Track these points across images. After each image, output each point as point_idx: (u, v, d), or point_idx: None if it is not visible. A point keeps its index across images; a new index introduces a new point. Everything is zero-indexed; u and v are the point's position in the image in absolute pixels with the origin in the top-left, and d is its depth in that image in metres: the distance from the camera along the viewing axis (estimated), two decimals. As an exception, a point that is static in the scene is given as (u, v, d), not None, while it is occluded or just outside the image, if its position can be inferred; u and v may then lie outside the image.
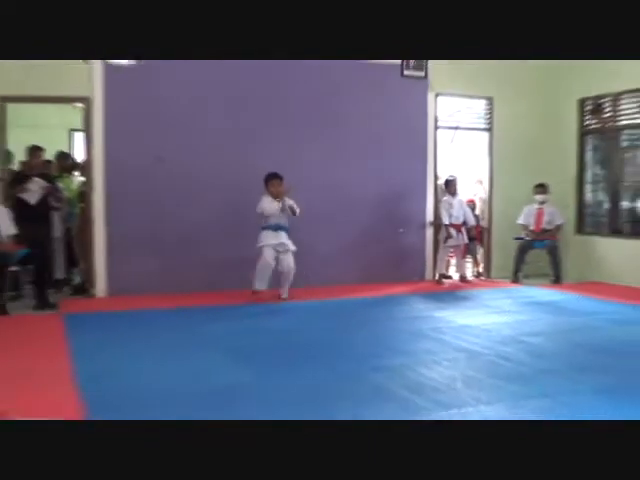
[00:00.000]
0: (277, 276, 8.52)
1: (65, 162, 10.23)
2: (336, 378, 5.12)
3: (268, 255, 8.27)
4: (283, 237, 8.38)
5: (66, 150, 11.50)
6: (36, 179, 8.49)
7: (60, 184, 9.35)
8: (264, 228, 8.35)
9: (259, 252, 8.33)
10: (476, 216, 10.82)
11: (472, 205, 10.92)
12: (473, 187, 11.33)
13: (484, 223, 10.96)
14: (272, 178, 8.29)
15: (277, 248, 8.35)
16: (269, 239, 8.30)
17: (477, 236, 10.85)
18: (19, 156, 9.27)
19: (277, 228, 8.35)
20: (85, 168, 8.98)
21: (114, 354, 5.89)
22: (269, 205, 8.22)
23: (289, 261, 8.43)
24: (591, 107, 10.55)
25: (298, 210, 8.40)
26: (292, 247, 8.41)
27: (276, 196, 8.27)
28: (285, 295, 8.62)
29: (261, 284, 8.33)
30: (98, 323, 7.29)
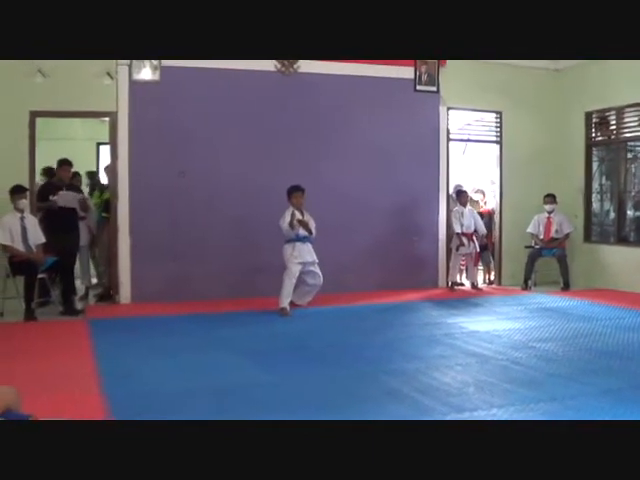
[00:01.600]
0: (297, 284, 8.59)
1: (93, 180, 10.60)
2: (350, 380, 5.30)
3: (296, 272, 8.34)
4: (309, 248, 8.43)
5: (93, 162, 11.86)
6: (67, 192, 8.72)
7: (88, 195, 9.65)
8: (288, 241, 8.40)
9: (286, 267, 8.37)
10: (490, 226, 11.01)
11: (489, 215, 11.13)
12: (475, 196, 11.47)
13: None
14: (294, 190, 8.43)
15: (305, 268, 8.43)
16: (296, 257, 8.32)
17: (490, 245, 11.02)
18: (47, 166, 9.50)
19: (301, 239, 8.38)
20: (111, 179, 9.26)
21: (137, 357, 6.10)
22: (283, 220, 8.29)
23: (319, 275, 8.53)
24: (598, 120, 10.73)
25: (314, 229, 8.45)
26: (316, 259, 8.49)
27: (297, 207, 8.40)
28: (306, 303, 8.77)
29: (288, 300, 8.37)
30: (122, 328, 7.49)
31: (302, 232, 8.38)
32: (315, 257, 8.47)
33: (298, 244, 8.35)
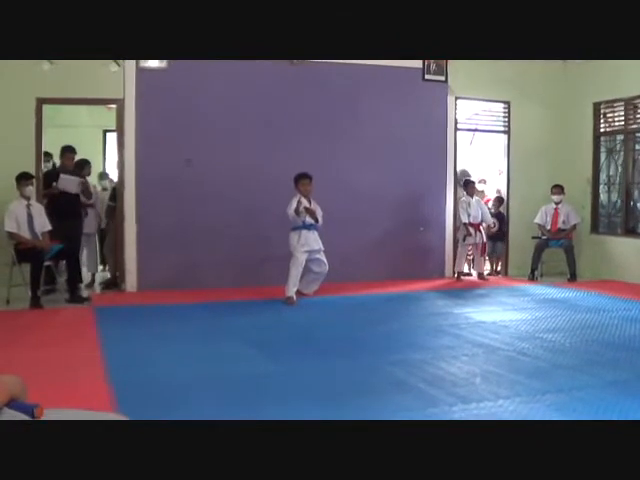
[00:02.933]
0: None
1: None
2: (356, 371, 5.27)
3: (302, 260, 8.32)
4: (316, 236, 8.41)
5: (99, 149, 11.90)
6: (69, 176, 8.70)
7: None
8: (294, 229, 8.39)
9: (292, 256, 8.34)
10: (502, 214, 11.01)
11: (499, 202, 11.12)
12: (479, 187, 11.44)
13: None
14: (301, 178, 8.41)
15: (311, 256, 8.41)
16: (302, 245, 8.31)
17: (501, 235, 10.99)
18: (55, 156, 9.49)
19: (307, 227, 8.36)
20: (117, 166, 9.24)
21: (143, 345, 6.10)
22: (290, 206, 8.26)
23: (325, 262, 8.51)
24: (606, 111, 10.67)
25: (320, 217, 8.42)
26: (322, 247, 8.47)
27: (304, 195, 8.38)
28: (312, 292, 8.76)
29: (294, 289, 8.35)
30: (128, 316, 7.50)
31: (309, 220, 8.35)
32: (321, 245, 8.44)
33: (304, 232, 8.33)
